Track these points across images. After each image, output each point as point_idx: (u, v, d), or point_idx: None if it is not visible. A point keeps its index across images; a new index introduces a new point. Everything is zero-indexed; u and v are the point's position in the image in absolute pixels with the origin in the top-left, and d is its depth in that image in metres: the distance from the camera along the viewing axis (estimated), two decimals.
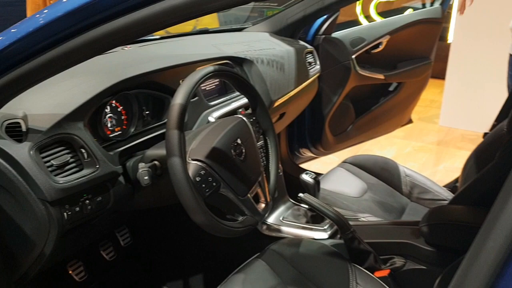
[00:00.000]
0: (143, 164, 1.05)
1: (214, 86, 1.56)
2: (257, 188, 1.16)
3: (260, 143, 1.31)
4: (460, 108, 4.35)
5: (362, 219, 1.59)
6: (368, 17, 6.17)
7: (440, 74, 4.44)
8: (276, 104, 1.70)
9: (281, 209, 1.58)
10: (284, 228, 1.49)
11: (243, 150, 1.12)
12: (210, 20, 3.80)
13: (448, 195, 1.84)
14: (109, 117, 1.24)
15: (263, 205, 1.17)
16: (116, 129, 1.26)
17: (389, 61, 2.50)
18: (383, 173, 1.93)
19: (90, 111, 1.10)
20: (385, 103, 2.61)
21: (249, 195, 1.12)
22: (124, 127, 1.28)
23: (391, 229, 1.41)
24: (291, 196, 1.72)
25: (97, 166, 1.05)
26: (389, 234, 1.39)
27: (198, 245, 1.66)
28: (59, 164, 0.99)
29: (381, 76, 2.43)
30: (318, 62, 2.11)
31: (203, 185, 1.00)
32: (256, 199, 1.16)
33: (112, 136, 1.22)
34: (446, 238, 1.26)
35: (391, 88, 2.62)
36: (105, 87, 1.13)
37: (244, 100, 1.55)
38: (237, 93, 1.60)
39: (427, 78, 2.65)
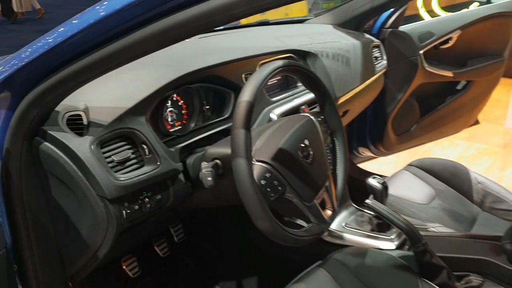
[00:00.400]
0: (205, 163, 0.99)
1: (276, 81, 1.48)
2: (324, 193, 1.07)
3: (327, 144, 1.22)
4: None
5: (432, 229, 1.46)
6: (430, 12, 5.88)
7: (507, 72, 4.14)
8: (340, 101, 1.61)
9: (343, 215, 1.48)
10: (347, 236, 1.39)
11: (311, 152, 1.04)
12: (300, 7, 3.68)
13: None
14: (170, 111, 1.19)
15: (329, 212, 1.08)
16: (176, 124, 1.21)
17: (459, 57, 2.34)
18: (452, 178, 1.78)
19: (152, 105, 1.05)
20: (452, 102, 2.45)
21: (315, 201, 1.03)
22: (184, 121, 1.23)
23: (466, 243, 1.29)
24: (352, 200, 1.62)
25: (158, 163, 1.00)
26: (465, 248, 1.26)
27: (254, 246, 1.60)
28: (120, 160, 0.94)
29: (449, 74, 2.28)
30: (384, 57, 1.99)
31: (268, 189, 0.93)
32: (322, 205, 1.07)
33: (172, 131, 1.17)
34: None
35: (459, 87, 2.46)
36: (168, 81, 1.08)
37: (308, 97, 1.46)
38: (300, 88, 1.52)
39: (499, 77, 2.48)
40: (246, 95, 0.90)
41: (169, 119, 1.19)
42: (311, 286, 1.14)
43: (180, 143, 1.13)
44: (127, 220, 0.97)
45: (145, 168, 0.99)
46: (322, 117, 1.14)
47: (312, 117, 1.11)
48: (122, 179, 0.93)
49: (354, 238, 1.38)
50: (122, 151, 0.96)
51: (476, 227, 1.60)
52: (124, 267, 1.39)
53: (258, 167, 0.94)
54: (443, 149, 3.60)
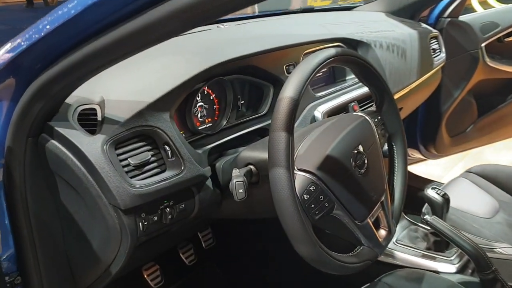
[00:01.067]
0: (237, 170, 0.83)
1: (321, 74, 1.30)
2: (379, 210, 0.89)
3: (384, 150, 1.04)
4: None
5: (499, 250, 1.25)
6: (483, 3, 5.50)
7: None
8: (395, 97, 1.40)
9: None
10: (399, 254, 1.21)
11: (365, 161, 0.86)
12: None
13: None
14: (200, 106, 1.04)
15: (384, 233, 0.90)
16: (207, 120, 1.06)
17: None
18: None
19: (179, 100, 0.90)
20: None
21: (368, 219, 0.86)
22: (215, 118, 1.08)
23: None
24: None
25: (182, 168, 0.85)
26: None
27: (290, 256, 1.43)
28: (138, 163, 0.80)
29: None
30: (443, 50, 1.78)
31: (312, 205, 0.76)
32: (377, 224, 0.89)
33: (202, 129, 1.03)
34: None
35: None
36: (198, 71, 0.92)
37: (358, 92, 1.28)
38: (349, 82, 1.34)
39: None
40: (290, 90, 0.73)
41: (199, 115, 1.04)
42: None
43: (210, 144, 0.98)
44: (144, 233, 0.83)
45: (167, 173, 0.84)
46: (379, 117, 0.96)
47: (367, 118, 0.93)
48: (138, 186, 0.79)
49: (407, 257, 1.20)
50: (141, 153, 0.81)
51: None
52: (145, 276, 1.26)
53: (300, 178, 0.77)
54: (496, 151, 3.31)
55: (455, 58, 1.96)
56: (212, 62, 0.95)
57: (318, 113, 1.16)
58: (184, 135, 0.99)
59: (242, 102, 1.12)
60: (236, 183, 0.78)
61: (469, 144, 2.26)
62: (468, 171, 1.67)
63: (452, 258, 1.16)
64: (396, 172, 0.98)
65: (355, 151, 0.85)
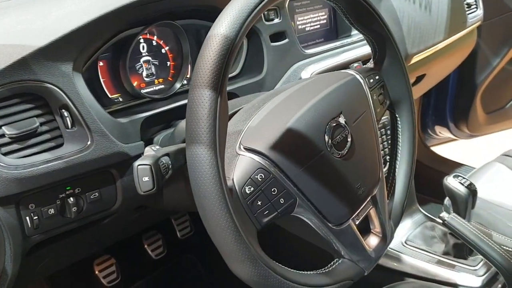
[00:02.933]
0: (153, 148, 0.59)
1: (318, 26, 1.04)
2: (369, 208, 0.63)
3: (384, 121, 0.77)
4: None
5: None
6: None
7: None
8: (414, 60, 1.16)
9: (405, 225, 1.03)
10: (407, 258, 0.96)
11: (349, 138, 0.60)
12: None
13: None
14: (145, 61, 0.80)
15: (375, 241, 0.64)
16: (157, 81, 0.82)
17: None
18: None
19: (91, 46, 0.66)
20: None
21: (351, 221, 0.60)
22: (169, 78, 0.83)
23: None
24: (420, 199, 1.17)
25: (89, 142, 0.62)
26: None
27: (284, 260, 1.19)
28: (17, 134, 0.57)
29: None
30: (480, 5, 1.49)
31: (259, 202, 0.51)
32: (365, 228, 0.64)
33: (147, 92, 0.78)
34: None
35: None
36: (123, 4, 0.67)
37: (364, 51, 1.01)
38: (354, 38, 1.07)
39: None
40: (222, 25, 0.48)
41: (144, 73, 0.80)
42: None
43: (150, 110, 0.74)
44: (37, 231, 0.60)
45: (65, 149, 0.60)
46: (377, 77, 0.69)
47: (359, 77, 0.66)
48: (16, 166, 0.56)
49: (418, 263, 0.96)
50: (24, 119, 0.58)
51: None
52: (96, 272, 1.05)
53: (244, 162, 0.53)
54: None
55: (495, 18, 1.71)
56: None
57: (306, 74, 0.90)
58: (120, 99, 0.76)
59: None
60: (139, 167, 0.53)
61: (508, 122, 2.03)
62: (506, 154, 1.40)
63: (476, 267, 0.90)
64: (399, 155, 0.71)
65: (334, 124, 0.59)
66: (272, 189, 0.53)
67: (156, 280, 1.19)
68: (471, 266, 0.91)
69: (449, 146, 2.22)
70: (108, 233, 0.85)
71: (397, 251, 0.97)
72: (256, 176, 0.52)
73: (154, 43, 0.81)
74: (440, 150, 2.11)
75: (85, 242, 0.79)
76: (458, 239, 0.96)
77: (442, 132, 2.00)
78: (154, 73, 0.82)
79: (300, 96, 0.61)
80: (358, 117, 0.63)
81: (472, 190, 0.89)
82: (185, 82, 0.83)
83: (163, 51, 0.83)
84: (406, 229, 1.03)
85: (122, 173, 0.67)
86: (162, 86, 0.83)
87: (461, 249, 0.93)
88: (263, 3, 0.49)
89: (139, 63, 0.79)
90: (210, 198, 0.46)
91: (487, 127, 1.97)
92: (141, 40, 0.79)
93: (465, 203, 0.88)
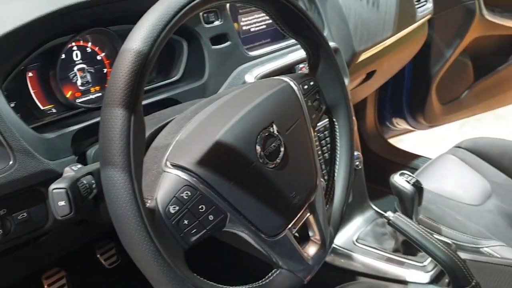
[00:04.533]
0: (74, 168, 0.56)
1: (264, 26, 1.02)
2: (307, 215, 0.63)
3: (322, 124, 0.76)
4: None
5: (487, 249, 1.00)
6: None
7: None
8: (363, 57, 1.15)
9: (356, 223, 1.04)
10: (358, 257, 0.96)
11: (282, 148, 0.59)
12: None
13: None
14: (80, 69, 0.77)
15: (314, 249, 0.64)
16: (93, 89, 0.79)
17: None
18: None
19: (12, 58, 0.63)
20: None
21: (287, 231, 0.59)
22: (106, 85, 0.80)
23: None
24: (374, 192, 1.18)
25: (11, 162, 0.59)
26: None
27: (223, 267, 1.17)
28: None
29: None
30: None
31: (185, 222, 0.50)
32: (304, 235, 0.63)
33: (82, 102, 0.75)
34: None
35: None
36: (46, 12, 0.64)
37: None
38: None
39: None
40: (136, 39, 0.46)
41: (79, 82, 0.77)
42: None
43: (85, 121, 0.71)
44: None
45: None
46: (312, 83, 0.68)
47: (292, 83, 0.65)
48: None
49: (368, 261, 0.96)
50: None
51: None
52: (45, 286, 1.01)
53: (169, 180, 0.51)
54: (497, 118, 3.03)
55: (447, 11, 1.72)
56: (64, 2, 0.66)
57: (251, 77, 0.88)
58: (54, 110, 0.73)
59: None
60: (54, 191, 0.51)
61: (463, 112, 2.06)
62: (458, 146, 1.42)
63: (425, 263, 0.91)
64: (338, 159, 0.70)
65: (265, 134, 0.57)
66: (200, 207, 0.51)
67: None
68: (419, 262, 0.92)
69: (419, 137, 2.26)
70: (48, 250, 0.82)
71: (348, 250, 0.97)
72: (182, 194, 0.50)
73: (89, 50, 0.78)
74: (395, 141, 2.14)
75: (25, 260, 0.76)
76: None
77: (399, 123, 2.02)
78: (90, 81, 0.79)
79: (230, 107, 0.59)
80: (291, 125, 0.62)
81: (418, 187, 0.89)
82: None
83: (98, 57, 0.80)
84: (357, 227, 1.02)
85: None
86: (99, 94, 0.80)
87: (410, 245, 0.94)
88: (178, 15, 0.47)
89: (73, 72, 0.76)
90: (127, 224, 0.45)
91: (443, 117, 1.99)
92: (74, 48, 0.76)
93: (412, 201, 0.88)
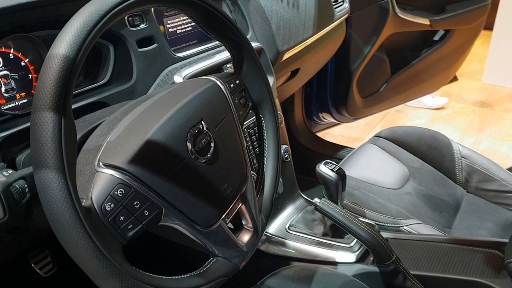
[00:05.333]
0: (6, 175, 0.56)
1: (190, 28, 1.04)
2: (239, 205, 0.67)
3: (251, 120, 0.81)
4: (509, 63, 3.74)
5: (406, 228, 1.09)
6: None
7: (486, 23, 3.83)
8: (286, 56, 1.20)
9: (288, 211, 1.09)
10: (291, 243, 1.01)
11: (212, 143, 0.62)
12: None
13: None
14: (3, 76, 0.75)
15: (247, 236, 0.68)
16: (18, 96, 0.78)
17: (437, 2, 2.03)
18: (430, 152, 1.43)
19: None
20: (429, 56, 2.14)
21: (221, 221, 0.63)
22: (33, 91, 0.79)
23: (453, 253, 0.93)
24: (304, 182, 1.24)
25: None
26: (451, 262, 0.90)
27: (163, 266, 1.19)
28: None
29: (426, 22, 1.95)
30: None
31: (121, 218, 0.52)
32: (237, 224, 0.67)
33: (7, 109, 0.74)
34: None
35: (436, 38, 2.16)
36: None
37: None
38: None
39: (482, 25, 2.19)
40: (62, 44, 0.47)
41: (3, 89, 0.75)
42: None
43: (12, 128, 0.70)
44: None
45: None
46: (238, 81, 0.72)
47: (219, 82, 0.69)
48: None
49: (301, 246, 1.01)
50: None
51: (461, 215, 1.26)
52: None
53: (103, 180, 0.53)
54: (414, 110, 3.26)
55: (362, 10, 1.78)
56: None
57: (179, 78, 0.91)
58: None
59: None
60: None
61: (383, 104, 2.13)
62: (377, 136, 1.52)
63: (351, 244, 0.98)
64: (266, 152, 0.75)
65: (195, 131, 0.60)
66: (135, 203, 0.53)
67: None
68: (346, 244, 0.98)
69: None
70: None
71: (281, 237, 1.01)
72: (116, 192, 0.52)
73: (12, 56, 0.77)
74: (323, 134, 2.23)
75: None
76: None
77: (325, 117, 2.07)
78: (15, 87, 0.78)
79: (159, 107, 0.62)
80: (220, 122, 0.65)
81: (341, 175, 0.96)
82: None
83: (22, 63, 0.78)
84: (289, 215, 1.08)
85: None
86: (25, 101, 0.78)
87: (337, 229, 1.01)
88: (102, 21, 0.49)
89: None
90: (64, 223, 0.46)
91: (365, 110, 2.06)
92: None
93: (336, 187, 0.95)
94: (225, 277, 0.63)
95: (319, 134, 2.13)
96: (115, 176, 0.53)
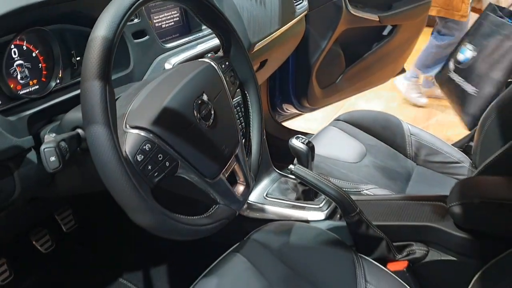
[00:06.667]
0: (51, 136, 0.68)
1: (172, 23, 1.18)
2: (234, 164, 0.82)
3: (237, 99, 0.95)
4: None
5: (366, 191, 1.27)
6: None
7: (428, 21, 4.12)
8: (257, 48, 1.34)
9: (264, 183, 1.25)
10: (269, 208, 1.16)
11: (212, 111, 0.77)
12: None
13: (461, 157, 1.55)
14: (19, 65, 0.86)
15: (242, 188, 0.83)
16: (31, 83, 0.88)
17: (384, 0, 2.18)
18: (384, 132, 1.62)
19: None
20: (379, 50, 2.32)
21: (222, 175, 0.77)
22: (43, 79, 0.90)
23: (406, 207, 1.11)
24: (274, 164, 1.39)
25: None
26: (405, 213, 1.08)
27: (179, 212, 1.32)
28: None
29: (375, 18, 2.10)
30: None
31: (149, 167, 0.65)
32: (233, 179, 0.82)
33: (24, 93, 0.85)
34: (485, 222, 0.96)
35: (385, 32, 2.31)
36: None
37: (215, 42, 1.18)
38: (205, 32, 1.23)
39: (425, 21, 2.38)
40: (102, 28, 0.60)
41: (19, 76, 0.86)
42: (225, 279, 0.90)
43: (31, 109, 0.81)
44: None
45: None
46: (227, 63, 0.87)
47: (213, 63, 0.83)
48: None
49: (278, 210, 1.16)
50: None
51: (412, 183, 1.45)
52: None
53: (132, 137, 0.66)
54: (367, 101, 3.50)
55: (319, 8, 1.92)
56: (17, 3, 0.77)
57: (169, 65, 1.04)
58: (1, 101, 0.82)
59: (78, 58, 0.96)
60: (45, 150, 0.64)
61: (340, 94, 2.29)
62: (337, 119, 1.70)
63: (321, 205, 1.14)
64: (251, 122, 0.90)
65: (199, 101, 0.75)
66: (159, 156, 0.67)
67: (49, 273, 1.24)
68: (317, 205, 1.14)
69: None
70: (3, 227, 0.90)
71: (260, 203, 1.17)
72: (144, 147, 0.65)
73: (25, 47, 0.88)
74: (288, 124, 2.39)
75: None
76: (305, 187, 1.21)
77: (288, 108, 2.21)
78: (28, 75, 0.89)
79: (170, 82, 0.75)
80: (217, 95, 0.80)
81: (310, 147, 1.12)
82: (58, 81, 0.92)
83: (33, 54, 0.89)
84: (265, 185, 1.23)
85: (18, 165, 0.75)
86: (37, 87, 0.89)
87: (308, 194, 1.17)
88: (133, 7, 0.62)
89: (13, 67, 0.86)
90: (111, 166, 0.59)
91: (324, 100, 2.20)
92: (12, 46, 0.85)
93: (306, 157, 1.11)
94: (226, 220, 0.78)
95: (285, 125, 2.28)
96: (142, 135, 0.66)
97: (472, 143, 1.59)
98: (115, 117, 0.61)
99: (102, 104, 0.58)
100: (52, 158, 0.64)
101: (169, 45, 1.09)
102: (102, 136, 0.58)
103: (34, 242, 1.20)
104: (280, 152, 1.71)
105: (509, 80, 1.57)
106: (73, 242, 1.33)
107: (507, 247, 0.85)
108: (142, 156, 0.65)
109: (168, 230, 0.66)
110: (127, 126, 0.67)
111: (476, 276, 0.88)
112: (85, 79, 0.59)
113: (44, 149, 0.64)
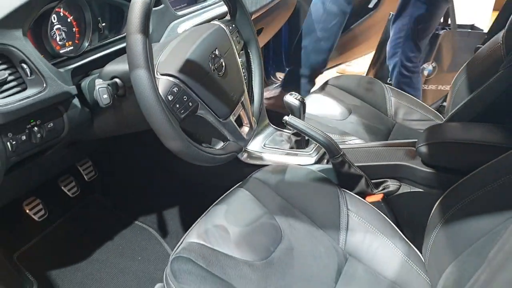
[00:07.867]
0: (100, 81, 0.86)
1: None
2: (240, 109, 1.00)
3: (241, 60, 1.13)
4: None
5: (350, 142, 1.46)
6: None
7: None
8: (254, 17, 1.51)
9: (262, 135, 1.43)
10: (267, 155, 1.35)
11: (223, 64, 0.95)
12: None
13: (435, 115, 1.74)
14: (57, 29, 1.03)
15: (247, 129, 1.01)
16: (67, 44, 1.05)
17: None
18: (367, 94, 1.79)
19: (30, 17, 0.88)
20: (365, 22, 2.50)
21: (231, 117, 0.96)
22: (76, 41, 1.07)
23: (382, 151, 1.30)
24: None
25: (44, 85, 0.86)
26: (381, 156, 1.28)
27: (172, 176, 1.52)
28: None
29: None
30: None
31: (177, 105, 0.83)
32: (239, 122, 1.00)
33: (63, 52, 1.02)
34: (445, 158, 1.16)
35: (370, 5, 2.49)
36: None
37: (220, 10, 1.35)
38: (209, 2, 1.40)
39: None
40: None
41: (58, 38, 1.03)
42: (232, 207, 1.09)
43: (73, 64, 0.99)
44: (15, 153, 0.83)
45: (29, 92, 0.84)
46: (233, 25, 1.04)
47: (222, 25, 1.01)
48: (0, 104, 0.79)
49: (274, 157, 1.35)
50: None
51: (391, 137, 1.64)
52: (27, 210, 1.25)
53: (163, 81, 0.83)
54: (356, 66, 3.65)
55: None
56: None
57: (181, 29, 1.20)
58: (46, 58, 0.98)
59: (104, 24, 1.13)
60: (100, 89, 0.82)
61: (329, 63, 2.39)
62: (325, 83, 1.87)
63: (311, 152, 1.33)
64: (253, 76, 1.08)
65: (213, 55, 0.93)
66: (184, 97, 0.85)
67: (76, 213, 1.44)
68: (307, 152, 1.33)
69: None
70: (47, 165, 1.08)
71: (259, 152, 1.36)
72: (173, 89, 0.83)
73: (61, 14, 1.04)
74: None
75: (38, 169, 1.02)
76: (298, 137, 1.39)
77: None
78: (65, 37, 1.05)
79: (189, 40, 0.93)
80: (226, 51, 0.98)
81: (302, 102, 1.30)
82: (87, 43, 1.08)
83: (68, 20, 1.06)
84: (263, 138, 1.42)
85: (66, 108, 0.92)
86: (72, 48, 1.06)
87: (301, 143, 1.36)
88: None
89: (53, 31, 1.02)
90: (151, 102, 0.76)
91: None
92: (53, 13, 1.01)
93: (299, 110, 1.29)
94: (235, 153, 0.96)
95: None
96: (170, 80, 0.84)
97: (445, 103, 1.79)
98: (153, 64, 0.78)
99: (144, 52, 0.75)
100: (105, 96, 0.82)
101: (180, 13, 1.26)
102: (145, 78, 0.75)
103: (62, 187, 1.39)
104: (273, 115, 1.90)
105: (477, 46, 1.74)
106: (94, 189, 1.51)
107: (462, 177, 1.04)
108: (172, 97, 0.83)
109: (192, 155, 0.84)
110: (158, 73, 0.85)
111: (437, 202, 1.07)
112: (130, 32, 0.76)
113: (99, 88, 0.81)
